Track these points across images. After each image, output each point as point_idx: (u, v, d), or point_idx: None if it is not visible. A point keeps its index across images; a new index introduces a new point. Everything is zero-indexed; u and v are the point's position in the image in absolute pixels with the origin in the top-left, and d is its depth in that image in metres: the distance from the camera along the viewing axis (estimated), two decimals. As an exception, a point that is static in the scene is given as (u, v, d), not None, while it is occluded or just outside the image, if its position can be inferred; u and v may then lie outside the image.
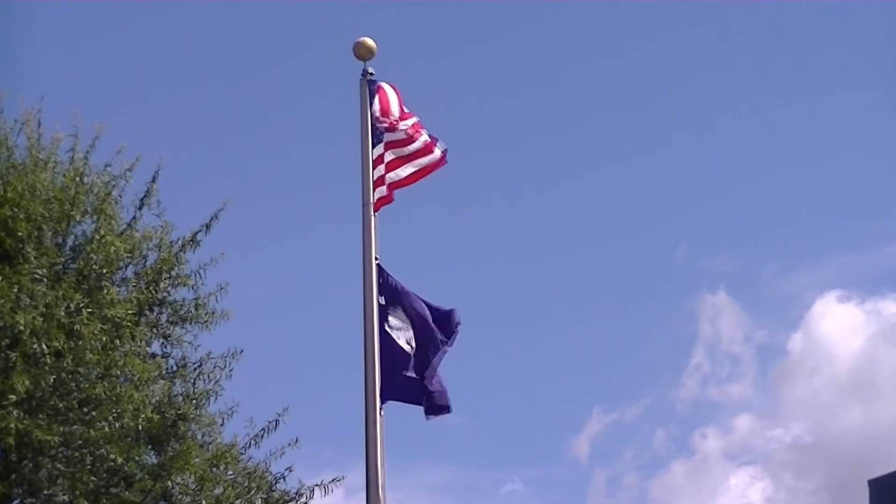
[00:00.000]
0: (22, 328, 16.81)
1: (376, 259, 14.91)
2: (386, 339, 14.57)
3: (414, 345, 14.70)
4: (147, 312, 18.87)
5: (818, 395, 60.06)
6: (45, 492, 17.13)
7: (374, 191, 15.21)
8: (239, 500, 18.40)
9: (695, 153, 68.04)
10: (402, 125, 15.49)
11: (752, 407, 63.43)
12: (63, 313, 17.23)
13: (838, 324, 61.43)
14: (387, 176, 15.33)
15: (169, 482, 17.82)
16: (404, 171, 15.45)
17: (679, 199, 67.32)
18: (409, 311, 14.76)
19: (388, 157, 15.37)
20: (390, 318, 14.72)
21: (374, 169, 15.27)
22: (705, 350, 64.18)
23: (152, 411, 17.65)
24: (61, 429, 16.83)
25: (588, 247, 65.70)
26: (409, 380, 14.56)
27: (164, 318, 19.11)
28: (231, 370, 19.11)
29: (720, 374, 63.72)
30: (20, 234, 17.86)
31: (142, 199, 19.51)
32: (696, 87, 68.34)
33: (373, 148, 15.32)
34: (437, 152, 15.64)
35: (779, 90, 68.24)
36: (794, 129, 68.43)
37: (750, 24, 67.38)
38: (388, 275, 14.85)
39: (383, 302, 14.71)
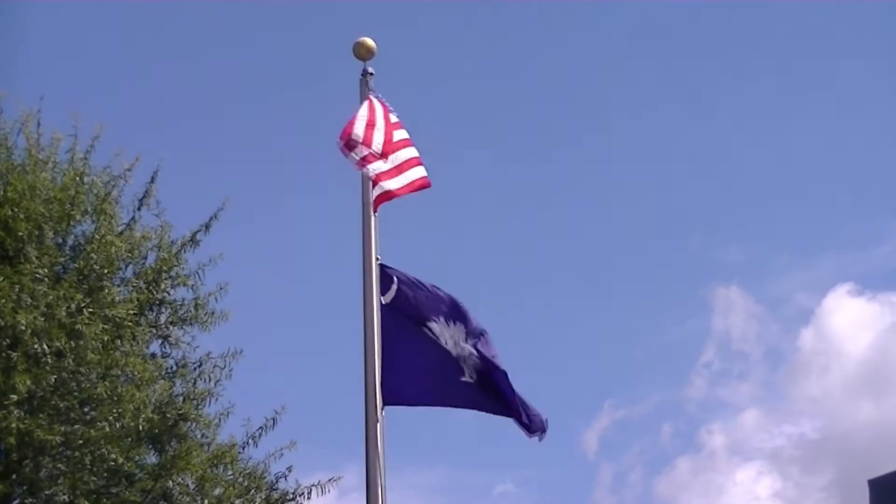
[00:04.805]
0: (23, 328, 16.80)
1: (377, 259, 14.83)
2: (398, 341, 14.36)
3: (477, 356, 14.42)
4: (147, 312, 18.89)
5: (828, 391, 59.98)
6: (46, 492, 17.13)
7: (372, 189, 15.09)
8: (239, 501, 18.40)
9: (704, 143, 68.17)
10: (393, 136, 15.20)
11: (761, 403, 63.43)
12: (64, 313, 17.24)
13: (849, 318, 61.34)
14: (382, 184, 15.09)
15: (169, 482, 17.82)
16: (395, 182, 15.16)
17: (691, 190, 67.41)
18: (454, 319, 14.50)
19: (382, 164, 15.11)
20: (432, 325, 14.46)
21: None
22: (716, 345, 64.12)
23: (153, 411, 17.67)
24: (62, 428, 16.83)
25: (597, 240, 65.79)
26: (465, 385, 14.33)
27: (163, 318, 19.11)
28: (231, 370, 19.15)
29: (730, 369, 63.67)
30: (21, 233, 17.87)
31: (141, 200, 19.54)
32: (706, 80, 68.46)
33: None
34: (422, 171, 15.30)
35: (789, 79, 68.37)
36: (798, 122, 68.55)
37: (757, 21, 67.49)
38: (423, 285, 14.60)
39: (386, 301, 14.51)
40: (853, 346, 63.82)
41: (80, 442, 17.00)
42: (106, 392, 17.19)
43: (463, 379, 14.29)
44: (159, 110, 60.17)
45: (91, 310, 17.57)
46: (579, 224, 66.05)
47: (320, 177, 58.77)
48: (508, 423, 14.45)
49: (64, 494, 17.16)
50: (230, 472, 18.52)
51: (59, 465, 17.14)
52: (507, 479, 59.85)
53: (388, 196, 14.89)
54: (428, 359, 14.34)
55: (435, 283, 14.77)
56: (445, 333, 14.37)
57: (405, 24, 61.77)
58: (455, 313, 14.43)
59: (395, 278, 14.57)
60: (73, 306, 17.43)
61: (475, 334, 14.33)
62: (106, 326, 17.56)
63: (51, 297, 17.25)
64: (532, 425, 14.28)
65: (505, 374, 14.23)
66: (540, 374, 59.31)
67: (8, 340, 16.99)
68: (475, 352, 14.28)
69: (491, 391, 14.25)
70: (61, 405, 17.10)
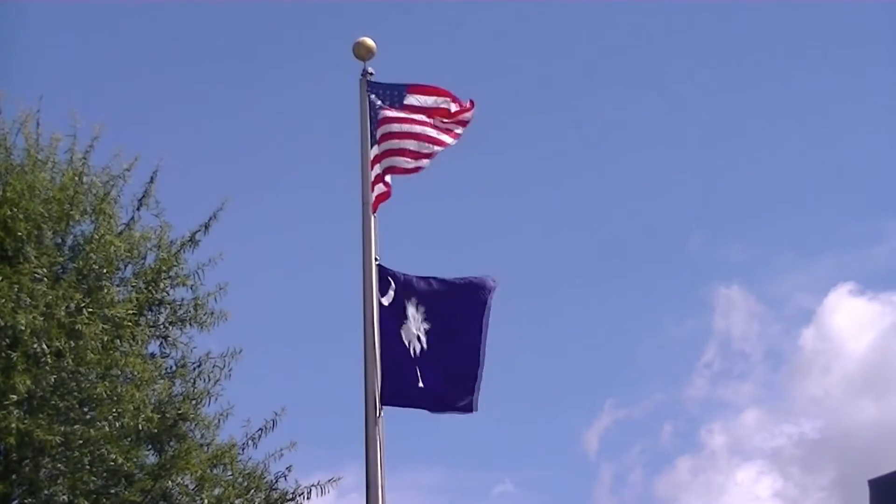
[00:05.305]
0: (23, 328, 16.79)
1: (376, 259, 14.86)
2: (397, 343, 14.47)
3: (425, 341, 14.57)
4: (146, 312, 18.88)
5: (829, 390, 59.93)
6: (46, 491, 17.11)
7: (372, 190, 15.15)
8: (238, 501, 18.39)
9: (705, 142, 68.11)
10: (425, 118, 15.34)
11: (762, 402, 63.39)
12: (63, 313, 17.22)
13: (851, 318, 61.23)
14: (384, 161, 15.23)
15: (169, 482, 17.81)
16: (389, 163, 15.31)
17: (692, 190, 67.41)
18: (426, 298, 14.65)
19: (381, 148, 15.24)
20: (408, 312, 14.62)
21: (371, 168, 15.22)
22: (717, 345, 64.06)
23: (152, 411, 17.66)
24: (62, 428, 16.82)
25: (597, 240, 65.77)
26: (417, 387, 14.47)
27: (162, 318, 19.10)
28: (230, 370, 19.14)
29: (731, 369, 63.59)
30: (20, 233, 17.86)
31: (140, 200, 19.53)
32: (707, 80, 68.47)
33: (370, 147, 15.27)
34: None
35: (790, 78, 68.39)
36: (799, 122, 68.55)
37: (757, 20, 67.51)
38: (397, 274, 14.75)
39: (386, 302, 14.62)
40: (854, 345, 63.70)
41: (80, 442, 16.99)
42: (105, 392, 17.18)
43: (420, 385, 14.43)
44: (159, 110, 60.16)
45: (90, 310, 17.56)
46: (579, 224, 66.01)
47: (320, 177, 58.82)
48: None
49: (63, 494, 17.14)
50: (230, 473, 18.51)
51: (59, 465, 17.12)
52: (507, 479, 59.74)
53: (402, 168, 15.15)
54: (404, 360, 14.47)
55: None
56: (417, 317, 14.54)
57: (405, 24, 61.73)
58: (411, 291, 14.61)
59: (391, 280, 14.66)
60: (72, 306, 17.42)
61: (425, 300, 14.51)
62: (105, 326, 17.55)
63: (50, 297, 17.24)
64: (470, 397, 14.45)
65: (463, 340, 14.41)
66: (540, 373, 59.36)
67: (8, 340, 16.98)
68: (424, 315, 14.48)
69: (439, 376, 14.42)
70: (61, 405, 17.08)
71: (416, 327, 14.58)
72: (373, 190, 15.14)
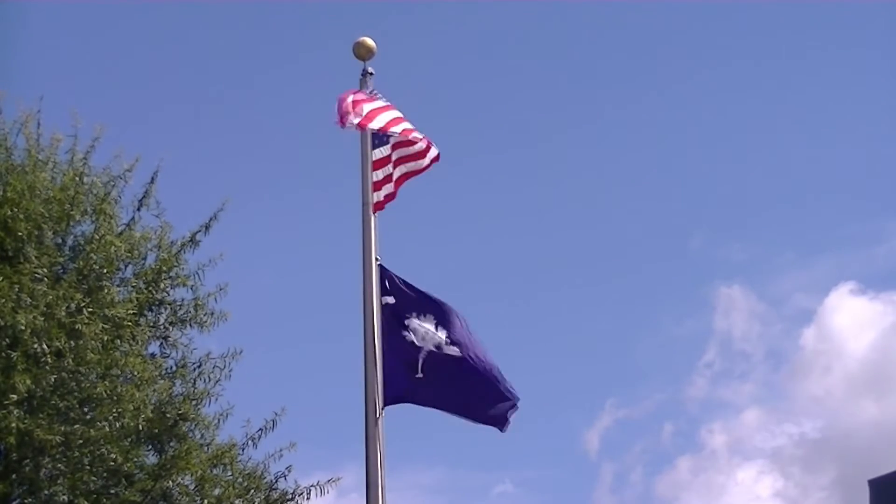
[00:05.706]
0: (23, 328, 16.79)
1: (377, 260, 14.86)
2: (399, 342, 14.50)
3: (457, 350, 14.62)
4: (146, 313, 18.88)
5: (830, 390, 59.91)
6: (46, 491, 17.12)
7: (373, 192, 15.13)
8: (238, 501, 18.40)
9: (706, 142, 68.13)
10: (396, 128, 15.30)
11: (762, 402, 63.41)
12: (64, 313, 17.23)
13: (851, 317, 61.20)
14: (394, 173, 15.26)
15: (169, 482, 17.81)
16: (401, 170, 15.37)
17: (693, 189, 67.42)
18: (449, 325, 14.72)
19: (395, 155, 15.26)
20: (414, 322, 14.64)
21: (380, 168, 15.19)
22: (718, 345, 64.10)
23: (153, 411, 17.67)
24: (62, 428, 16.82)
25: (598, 239, 65.80)
26: (418, 382, 14.52)
27: (163, 318, 19.11)
28: (230, 370, 19.14)
29: (732, 369, 63.61)
30: (20, 233, 17.87)
31: (140, 200, 19.54)
32: (708, 79, 68.49)
33: (373, 149, 15.24)
34: (434, 152, 15.45)
35: (790, 78, 68.39)
36: (799, 122, 68.56)
37: (758, 20, 67.53)
38: (408, 284, 14.80)
39: (391, 301, 14.64)
40: (855, 345, 63.68)
41: (80, 442, 16.99)
42: (106, 392, 17.18)
43: (417, 376, 14.48)
44: (159, 110, 60.21)
45: (91, 310, 17.56)
46: (580, 223, 66.04)
47: (320, 177, 58.92)
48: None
49: (64, 494, 17.15)
50: (230, 473, 18.51)
51: (59, 465, 17.12)
52: (507, 479, 59.74)
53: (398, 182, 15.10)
54: (402, 358, 14.50)
55: (434, 283, 14.91)
56: (420, 329, 14.57)
57: (405, 24, 61.75)
58: (426, 306, 14.64)
59: (385, 281, 14.70)
60: (72, 306, 17.42)
61: (445, 323, 14.55)
62: (106, 326, 17.56)
63: (50, 297, 17.24)
64: (503, 414, 14.51)
65: (482, 359, 14.44)
66: (541, 373, 59.30)
67: (8, 340, 16.98)
68: (446, 339, 14.49)
69: (450, 383, 14.46)
70: (61, 405, 17.08)
71: (432, 331, 14.59)
72: (381, 188, 15.13)
